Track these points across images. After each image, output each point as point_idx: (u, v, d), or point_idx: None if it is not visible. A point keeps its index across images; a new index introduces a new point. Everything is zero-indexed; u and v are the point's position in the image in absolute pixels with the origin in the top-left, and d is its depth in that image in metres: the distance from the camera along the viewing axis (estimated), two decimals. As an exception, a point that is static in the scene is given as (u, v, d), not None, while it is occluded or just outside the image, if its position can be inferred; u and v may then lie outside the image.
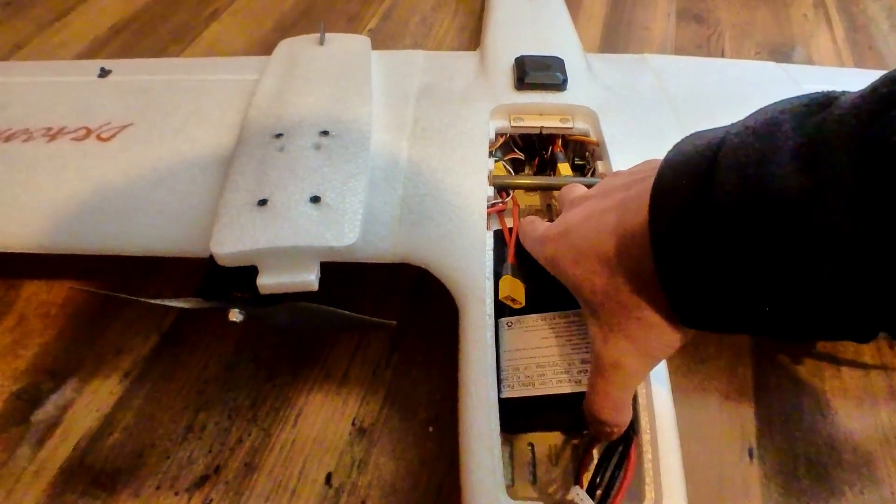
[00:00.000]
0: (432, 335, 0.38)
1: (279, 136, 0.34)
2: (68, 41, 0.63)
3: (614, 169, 0.36)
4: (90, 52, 0.61)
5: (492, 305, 0.31)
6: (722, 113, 0.40)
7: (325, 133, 0.34)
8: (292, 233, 0.28)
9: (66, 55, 0.61)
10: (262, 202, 0.29)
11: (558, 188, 0.40)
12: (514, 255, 0.32)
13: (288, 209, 0.29)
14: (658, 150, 0.37)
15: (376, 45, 0.62)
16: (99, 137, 0.37)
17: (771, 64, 0.46)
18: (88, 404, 0.35)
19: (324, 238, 0.28)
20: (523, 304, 0.31)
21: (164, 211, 0.33)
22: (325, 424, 0.35)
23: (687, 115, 0.40)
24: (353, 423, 0.35)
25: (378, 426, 0.35)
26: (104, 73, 0.44)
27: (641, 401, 0.27)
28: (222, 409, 0.35)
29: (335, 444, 0.34)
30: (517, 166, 0.43)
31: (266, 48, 0.62)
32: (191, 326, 0.39)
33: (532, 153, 0.43)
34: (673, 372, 0.36)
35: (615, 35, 0.64)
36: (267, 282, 0.28)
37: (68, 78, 0.43)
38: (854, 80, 0.44)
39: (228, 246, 0.28)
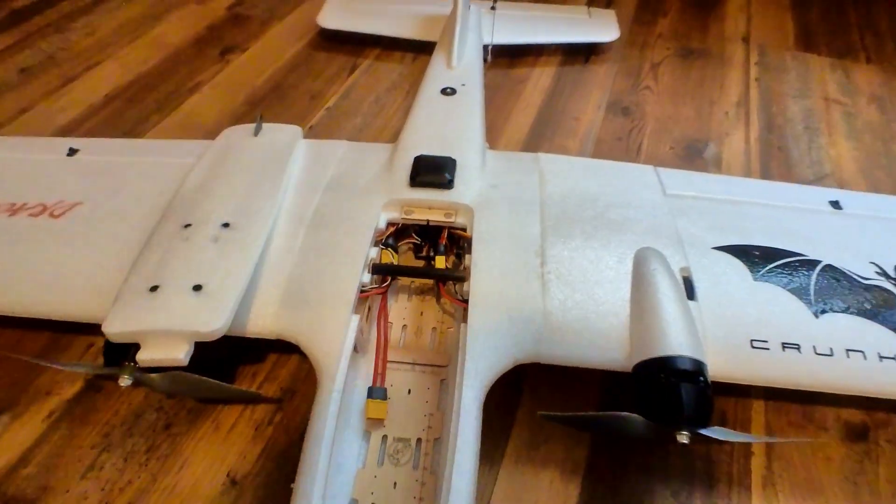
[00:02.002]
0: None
1: (188, 226, 0.41)
2: (67, 107, 0.72)
3: (474, 263, 0.42)
4: (84, 118, 0.70)
5: (342, 383, 0.36)
6: (582, 213, 0.46)
7: (227, 225, 0.41)
8: (168, 318, 0.34)
9: (63, 119, 0.70)
10: (154, 288, 0.36)
11: (431, 277, 0.46)
12: (378, 377, 0.38)
13: (171, 296, 0.35)
14: (515, 247, 0.43)
15: (330, 121, 0.71)
16: (51, 214, 0.45)
17: (649, 168, 0.51)
18: (13, 439, 0.42)
19: (194, 324, 0.34)
20: (385, 418, 0.37)
21: (90, 284, 0.40)
22: (203, 474, 0.40)
23: (549, 216, 0.45)
24: (228, 475, 0.40)
25: (249, 479, 0.40)
26: (72, 152, 0.52)
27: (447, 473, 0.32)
28: (121, 452, 0.41)
29: (209, 492, 0.39)
30: (416, 249, 0.49)
31: (235, 119, 0.71)
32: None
33: (428, 239, 0.49)
34: (514, 447, 0.41)
35: (545, 123, 0.70)
36: (145, 357, 0.34)
37: (40, 156, 0.52)
38: (716, 186, 0.50)
39: (117, 326, 0.34)
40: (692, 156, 0.66)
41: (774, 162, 0.65)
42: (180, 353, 0.34)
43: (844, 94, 0.76)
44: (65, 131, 0.68)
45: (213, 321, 0.34)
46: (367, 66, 0.80)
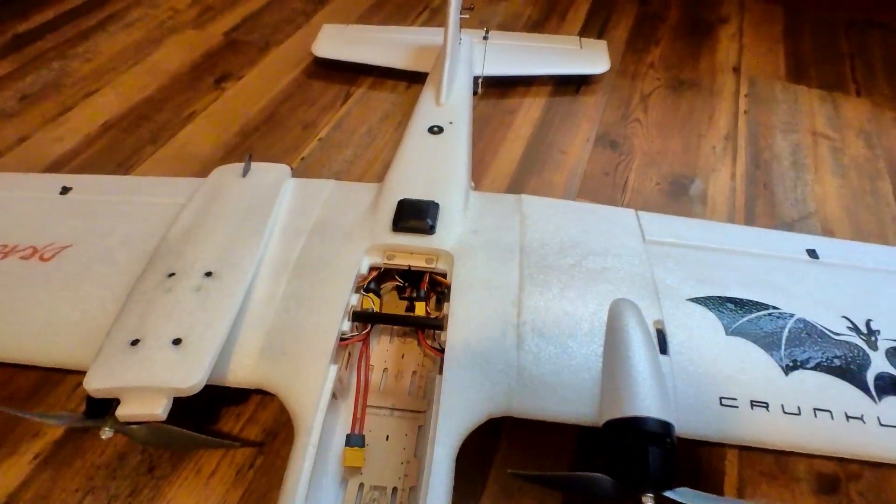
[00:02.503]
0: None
1: (172, 275, 0.42)
2: (65, 136, 0.74)
3: (452, 313, 0.43)
4: (80, 149, 0.72)
5: (317, 436, 0.37)
6: (561, 261, 0.46)
7: (209, 274, 0.42)
8: (147, 375, 0.35)
9: (60, 150, 0.71)
10: (135, 342, 0.37)
11: (410, 325, 0.46)
12: (357, 423, 0.39)
13: (151, 351, 0.36)
14: (493, 296, 0.44)
15: (321, 153, 0.72)
16: (41, 258, 0.46)
17: (630, 212, 0.52)
18: (0, 481, 0.43)
19: (172, 381, 0.35)
20: (362, 466, 0.38)
21: (77, 331, 0.41)
22: (184, 519, 0.41)
23: (528, 263, 0.46)
24: (208, 520, 0.41)
25: (229, 525, 0.41)
26: (65, 190, 0.53)
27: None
28: (105, 495, 0.42)
29: (189, 538, 0.40)
30: (400, 290, 0.50)
31: (228, 151, 0.73)
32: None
33: (411, 280, 0.49)
34: (490, 495, 0.42)
35: (534, 157, 0.71)
36: (125, 412, 0.35)
37: (34, 194, 0.53)
38: (695, 233, 0.50)
39: (97, 382, 0.35)
40: (678, 192, 0.66)
41: (760, 200, 0.66)
42: (159, 409, 0.35)
43: (833, 128, 0.76)
44: (61, 162, 0.70)
45: (190, 377, 0.35)
46: (361, 94, 0.81)
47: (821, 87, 0.83)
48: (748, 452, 0.44)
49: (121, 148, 0.72)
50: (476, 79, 0.75)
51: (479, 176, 0.67)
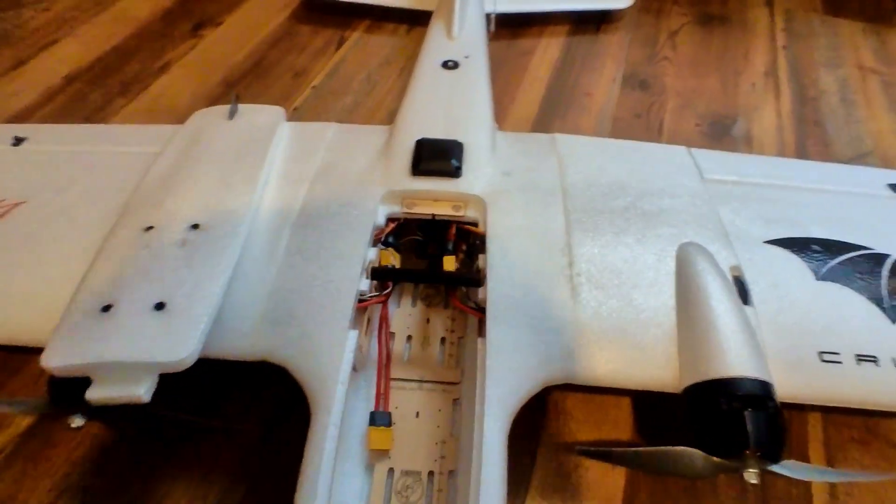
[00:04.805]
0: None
1: (149, 228, 0.34)
2: (22, 90, 0.64)
3: (490, 265, 0.36)
4: (40, 103, 0.63)
5: (339, 413, 0.30)
6: (611, 203, 0.40)
7: (196, 227, 0.34)
8: (124, 347, 0.28)
9: (17, 105, 0.62)
10: (106, 308, 0.30)
11: (440, 282, 0.40)
12: (381, 399, 0.33)
13: (128, 318, 0.29)
14: (537, 244, 0.37)
15: (317, 101, 0.64)
16: (-10, 216, 0.38)
17: (681, 149, 0.45)
18: (-44, 482, 0.36)
19: (155, 354, 0.28)
20: (391, 448, 0.32)
21: (31, 301, 0.34)
22: (180, 518, 0.34)
23: (573, 207, 0.39)
24: (210, 517, 0.34)
25: (234, 521, 0.34)
26: (18, 141, 0.45)
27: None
28: (83, 496, 0.35)
29: (187, 540, 0.34)
30: (419, 247, 0.43)
31: (210, 102, 0.64)
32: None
33: (433, 234, 0.42)
34: (541, 475, 0.36)
35: (556, 100, 0.64)
36: (96, 395, 0.28)
37: None
38: (759, 169, 0.44)
39: (59, 359, 0.28)
40: (720, 133, 0.60)
41: (811, 139, 0.59)
42: (140, 389, 0.28)
43: (881, 61, 0.70)
44: (20, 118, 0.61)
45: (179, 348, 0.28)
46: (357, 39, 0.73)
47: (862, 19, 0.76)
48: (834, 415, 0.38)
49: (87, 102, 0.63)
50: (488, 16, 0.67)
51: (497, 121, 0.60)
